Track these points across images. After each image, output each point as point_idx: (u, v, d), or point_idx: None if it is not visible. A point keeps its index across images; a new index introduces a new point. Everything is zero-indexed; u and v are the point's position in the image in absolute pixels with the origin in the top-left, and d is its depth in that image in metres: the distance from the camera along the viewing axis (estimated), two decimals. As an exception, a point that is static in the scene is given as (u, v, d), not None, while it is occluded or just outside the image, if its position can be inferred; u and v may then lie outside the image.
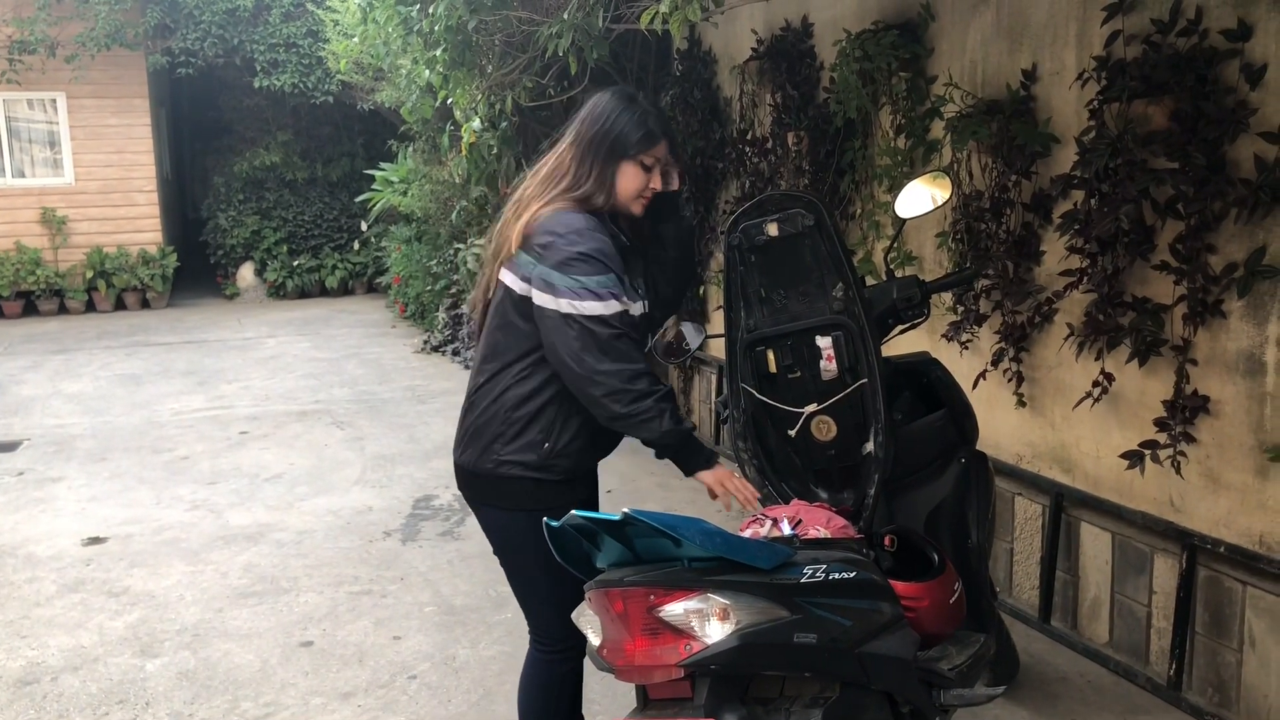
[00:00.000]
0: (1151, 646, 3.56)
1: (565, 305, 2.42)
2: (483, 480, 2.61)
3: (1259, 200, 2.96)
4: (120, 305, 12.94)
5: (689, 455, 2.57)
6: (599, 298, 2.43)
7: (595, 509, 2.74)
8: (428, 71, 6.10)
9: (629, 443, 2.67)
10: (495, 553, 2.71)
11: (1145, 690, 3.52)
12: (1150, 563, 3.53)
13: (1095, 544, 3.75)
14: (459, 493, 5.66)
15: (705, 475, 2.58)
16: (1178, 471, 3.29)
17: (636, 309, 2.58)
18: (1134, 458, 3.37)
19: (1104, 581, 3.73)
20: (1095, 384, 3.50)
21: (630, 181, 2.56)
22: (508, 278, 2.55)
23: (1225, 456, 3.21)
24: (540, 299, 2.46)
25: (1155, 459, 3.32)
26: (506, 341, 2.56)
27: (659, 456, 2.56)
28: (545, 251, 2.46)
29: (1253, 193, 2.97)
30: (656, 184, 2.60)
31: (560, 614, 2.59)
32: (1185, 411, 3.26)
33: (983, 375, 3.99)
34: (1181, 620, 3.38)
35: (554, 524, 2.11)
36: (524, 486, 2.56)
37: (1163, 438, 3.31)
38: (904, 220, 3.27)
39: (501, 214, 2.66)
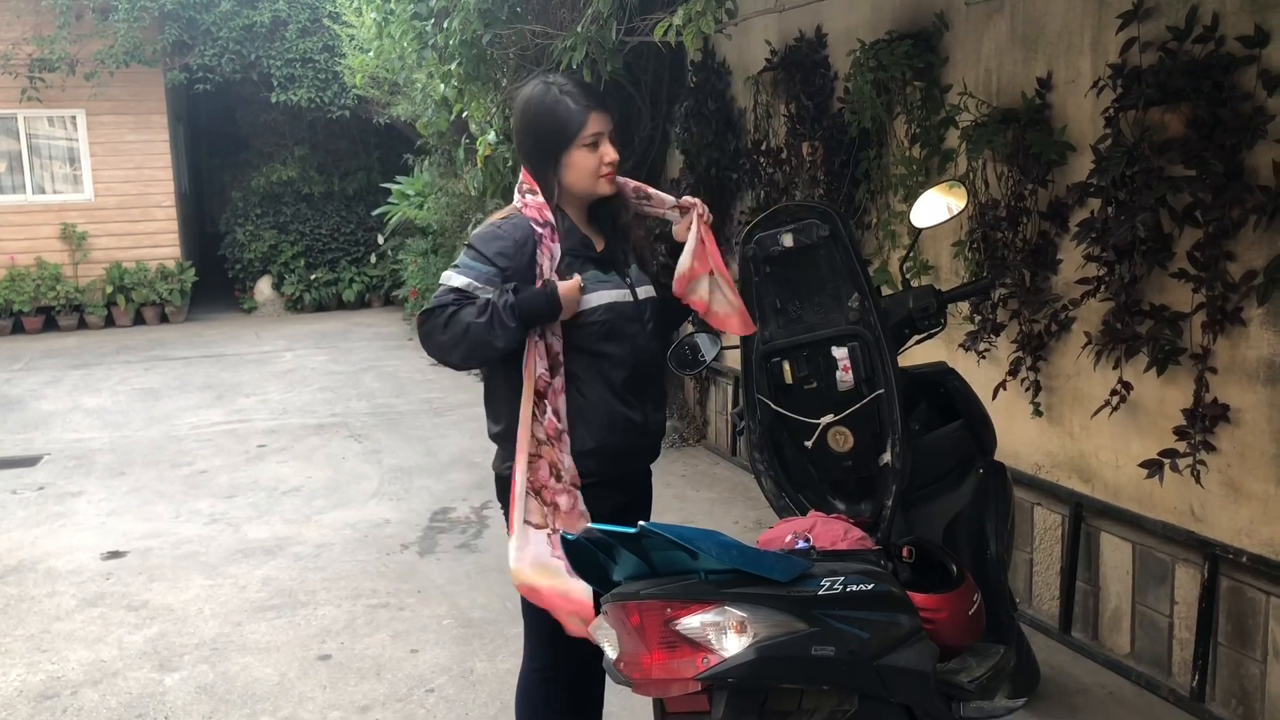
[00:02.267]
0: (1174, 657, 3.53)
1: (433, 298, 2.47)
2: (498, 484, 2.64)
3: (1278, 207, 2.94)
4: (139, 320, 13.02)
5: (540, 310, 2.43)
6: (456, 270, 2.45)
7: (645, 515, 2.73)
8: (443, 85, 6.12)
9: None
10: None
11: (1168, 702, 3.49)
12: (1171, 573, 3.50)
13: (1116, 554, 3.72)
14: (476, 505, 5.70)
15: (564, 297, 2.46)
16: (1198, 481, 3.26)
17: (611, 296, 2.55)
18: (1153, 467, 3.34)
19: (1125, 592, 3.70)
20: (1113, 393, 3.48)
21: (583, 165, 2.51)
22: None
23: (1246, 465, 3.19)
24: None
25: (1175, 468, 3.29)
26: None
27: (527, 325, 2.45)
28: None
29: (1272, 199, 2.95)
30: (609, 154, 2.52)
31: (556, 635, 2.58)
32: (1205, 420, 3.23)
33: (1002, 385, 3.97)
34: (1204, 631, 3.35)
35: (570, 536, 2.11)
36: None
37: (1182, 446, 3.29)
38: (920, 230, 3.26)
39: None
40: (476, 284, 2.44)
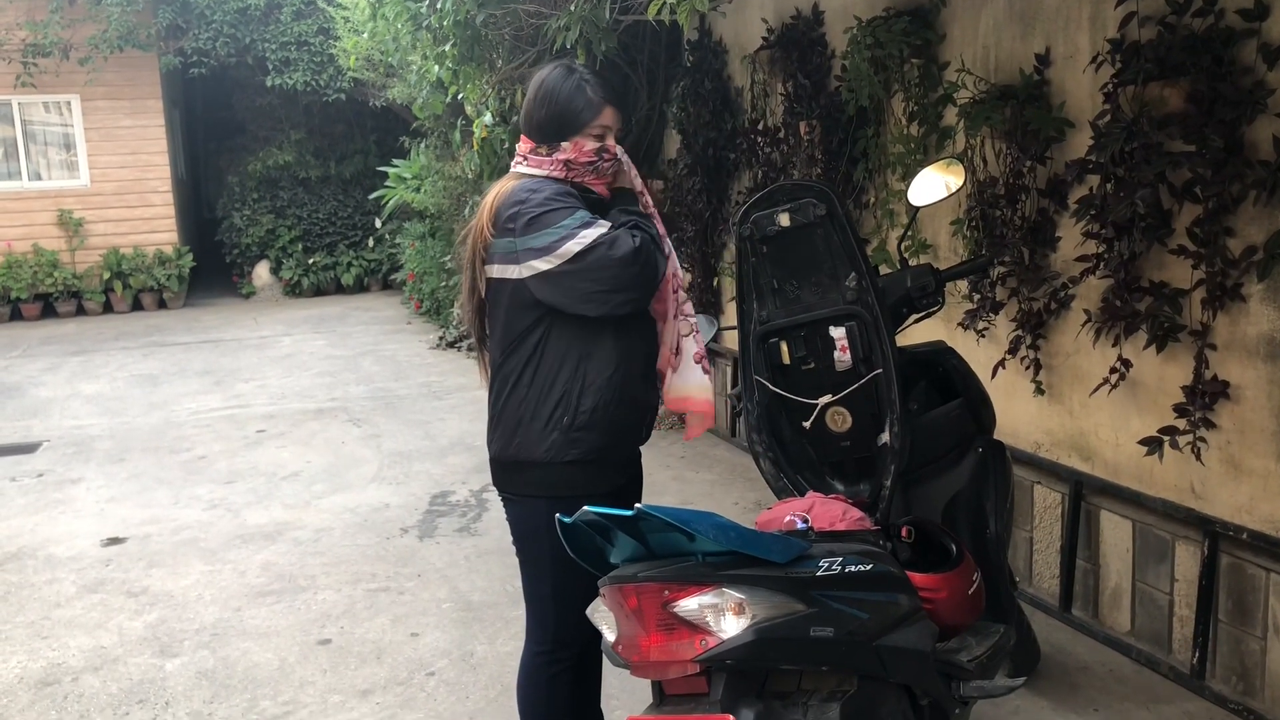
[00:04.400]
0: (1174, 635, 3.52)
1: (569, 247, 2.40)
2: (509, 467, 2.61)
3: (1278, 182, 2.92)
4: (137, 306, 13.00)
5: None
6: (587, 226, 2.42)
7: (637, 497, 2.73)
8: (437, 67, 6.08)
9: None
10: (514, 542, 2.69)
11: (1168, 679, 3.49)
12: (1172, 550, 3.50)
13: (1116, 532, 3.71)
14: (475, 488, 5.69)
15: None
16: (1198, 458, 3.25)
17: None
18: (1153, 444, 3.33)
19: (1125, 570, 3.69)
20: (1113, 370, 3.47)
21: (584, 149, 2.54)
22: (494, 270, 2.53)
23: (1246, 442, 3.17)
24: (537, 265, 2.44)
25: (1175, 445, 3.28)
26: (511, 332, 2.55)
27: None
28: (514, 224, 2.46)
29: (1271, 174, 2.93)
30: (612, 148, 2.58)
31: (559, 616, 2.58)
32: (1205, 397, 3.22)
33: (1001, 364, 3.95)
34: (1204, 608, 3.34)
35: (566, 520, 2.10)
36: (546, 470, 2.54)
37: (1182, 424, 3.28)
38: (917, 208, 3.24)
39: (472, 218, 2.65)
40: (602, 221, 2.46)
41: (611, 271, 2.40)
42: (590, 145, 2.54)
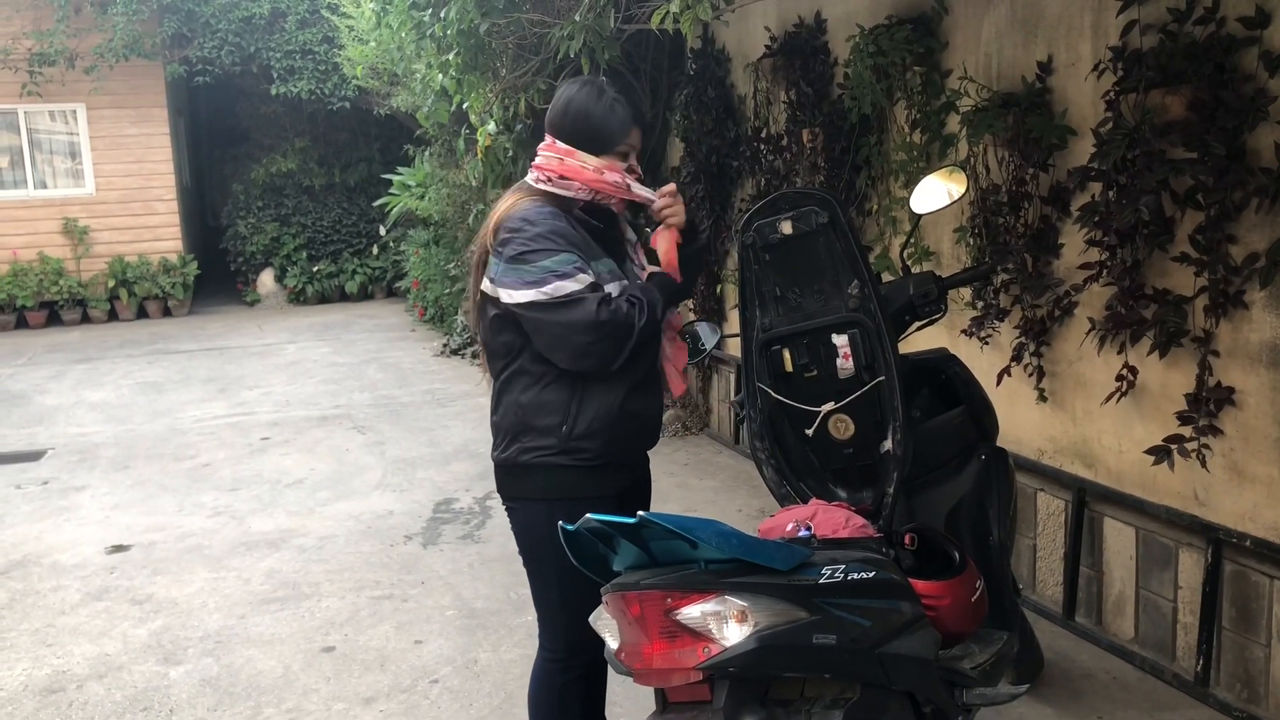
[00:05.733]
0: (1178, 642, 3.52)
1: (534, 294, 2.40)
2: (509, 472, 2.61)
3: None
4: (142, 314, 13.03)
5: (672, 295, 2.63)
6: (565, 276, 2.40)
7: (645, 502, 2.75)
8: (441, 76, 6.10)
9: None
10: (520, 551, 2.69)
11: (1172, 686, 3.48)
12: (1175, 557, 3.49)
13: (1119, 539, 3.71)
14: (479, 495, 5.70)
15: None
16: (1202, 464, 3.25)
17: (614, 289, 2.53)
18: (1160, 453, 3.32)
19: (1128, 577, 3.69)
20: (1119, 378, 3.47)
21: (608, 169, 2.55)
22: (486, 285, 2.54)
23: (1250, 449, 3.17)
24: (508, 296, 2.44)
25: (1182, 453, 3.28)
26: (501, 342, 2.56)
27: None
28: (503, 248, 2.46)
29: (1273, 181, 2.93)
30: (635, 169, 2.60)
31: (570, 622, 2.58)
32: (1209, 404, 3.22)
33: (1007, 372, 3.95)
34: (1208, 615, 3.34)
35: (569, 527, 2.10)
36: (547, 474, 2.54)
37: (1186, 431, 3.27)
38: (920, 216, 3.25)
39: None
40: (589, 275, 2.44)
41: (567, 333, 2.41)
42: (615, 170, 2.54)
